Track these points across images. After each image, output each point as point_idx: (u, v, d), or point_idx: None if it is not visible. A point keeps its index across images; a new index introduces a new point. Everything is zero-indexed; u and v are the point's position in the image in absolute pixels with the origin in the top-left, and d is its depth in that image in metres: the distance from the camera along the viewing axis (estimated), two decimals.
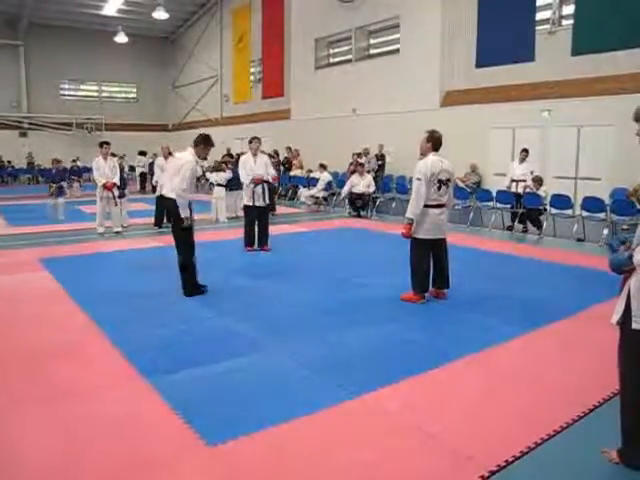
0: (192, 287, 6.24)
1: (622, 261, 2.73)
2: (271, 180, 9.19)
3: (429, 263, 5.98)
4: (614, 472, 2.87)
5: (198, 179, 18.95)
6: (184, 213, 6.03)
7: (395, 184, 14.73)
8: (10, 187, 23.95)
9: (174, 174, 6.05)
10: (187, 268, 6.23)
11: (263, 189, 8.78)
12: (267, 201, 8.92)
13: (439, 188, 5.77)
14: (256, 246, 8.93)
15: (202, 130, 26.74)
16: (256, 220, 8.90)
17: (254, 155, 8.82)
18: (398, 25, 16.31)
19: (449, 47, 14.88)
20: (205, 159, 6.53)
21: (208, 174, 13.76)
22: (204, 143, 6.21)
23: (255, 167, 8.73)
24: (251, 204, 8.77)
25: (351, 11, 17.65)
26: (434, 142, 5.87)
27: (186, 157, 6.11)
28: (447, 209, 6.07)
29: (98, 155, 10.62)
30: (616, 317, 2.86)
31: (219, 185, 12.70)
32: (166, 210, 6.34)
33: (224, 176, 12.76)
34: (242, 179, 8.88)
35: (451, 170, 5.91)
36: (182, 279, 6.26)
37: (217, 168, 13.25)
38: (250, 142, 8.90)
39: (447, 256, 6.06)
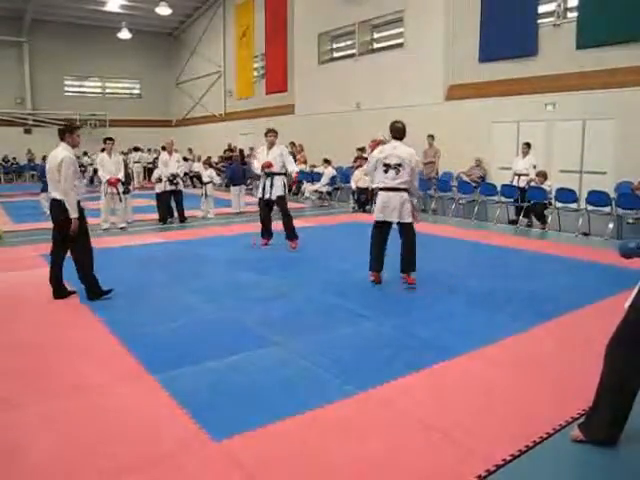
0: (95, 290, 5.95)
1: (630, 248, 2.94)
2: (289, 173, 8.74)
3: (380, 244, 6.38)
4: (617, 466, 2.88)
5: (194, 177, 18.76)
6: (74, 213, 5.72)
7: None
8: (15, 184, 24.02)
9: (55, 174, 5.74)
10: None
11: (272, 182, 8.48)
12: (277, 193, 8.52)
13: (386, 172, 6.18)
14: (271, 240, 8.83)
15: (206, 126, 26.57)
16: (267, 213, 8.74)
17: (269, 148, 8.58)
18: (402, 19, 16.22)
19: (453, 41, 14.80)
20: (76, 146, 6.13)
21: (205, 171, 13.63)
22: (69, 131, 6.01)
23: (267, 158, 8.48)
24: (261, 196, 8.66)
25: (354, 5, 17.56)
26: (391, 130, 6.37)
27: (61, 153, 5.81)
28: (410, 196, 6.28)
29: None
30: (629, 301, 2.94)
31: (206, 183, 12.68)
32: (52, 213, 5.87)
33: (207, 174, 12.97)
34: (255, 171, 8.82)
35: (405, 155, 6.14)
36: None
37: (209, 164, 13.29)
38: (265, 134, 8.70)
39: (409, 240, 6.28)
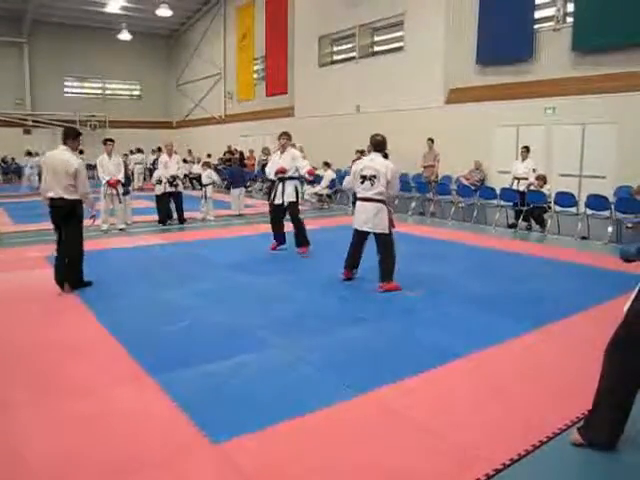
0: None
1: (631, 252, 2.96)
2: (303, 174, 8.56)
3: (355, 249, 6.63)
4: (617, 469, 2.88)
5: (193, 179, 18.70)
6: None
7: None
8: (14, 184, 23.97)
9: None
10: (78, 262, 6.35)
11: (283, 186, 8.35)
12: (288, 199, 8.34)
13: (362, 182, 6.39)
14: (282, 246, 8.72)
15: (206, 128, 26.50)
16: (279, 218, 8.57)
17: (282, 152, 8.46)
18: (402, 22, 16.26)
19: (454, 44, 14.83)
20: (76, 150, 6.34)
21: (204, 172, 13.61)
22: (73, 137, 6.22)
23: (280, 162, 8.36)
24: (272, 202, 8.51)
25: (355, 8, 17.59)
26: (370, 143, 6.69)
27: (75, 159, 6.10)
28: (385, 206, 6.38)
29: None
30: (628, 304, 2.95)
31: (206, 184, 12.67)
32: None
33: (206, 174, 12.98)
34: (267, 176, 8.80)
35: (379, 167, 6.28)
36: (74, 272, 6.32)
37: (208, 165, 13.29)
38: (278, 138, 8.58)
39: (382, 251, 6.38)
